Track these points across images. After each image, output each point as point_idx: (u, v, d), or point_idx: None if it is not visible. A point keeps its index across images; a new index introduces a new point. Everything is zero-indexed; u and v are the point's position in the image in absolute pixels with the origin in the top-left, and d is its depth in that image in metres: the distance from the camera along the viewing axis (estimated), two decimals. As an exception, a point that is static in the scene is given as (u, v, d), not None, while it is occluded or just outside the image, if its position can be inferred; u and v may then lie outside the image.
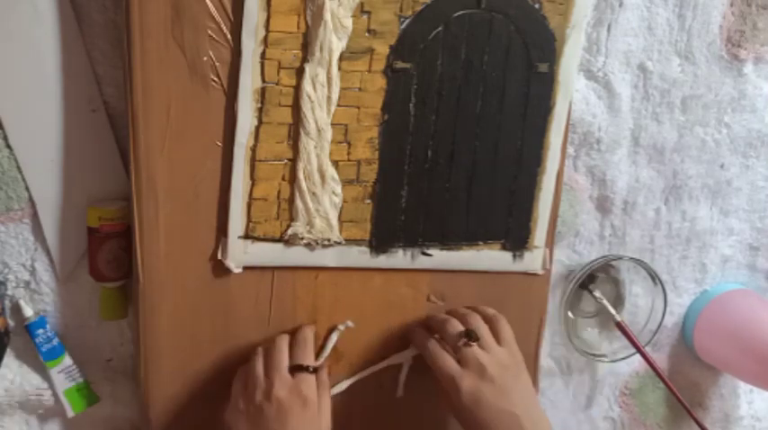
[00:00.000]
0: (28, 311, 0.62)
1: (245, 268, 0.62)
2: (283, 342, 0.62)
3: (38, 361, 0.63)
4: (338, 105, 0.61)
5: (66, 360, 0.64)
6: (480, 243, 0.68)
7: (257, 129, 0.60)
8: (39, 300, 0.63)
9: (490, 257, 0.69)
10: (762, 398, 0.91)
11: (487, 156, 0.66)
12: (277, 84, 0.59)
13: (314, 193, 0.62)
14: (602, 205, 0.77)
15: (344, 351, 0.67)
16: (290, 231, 0.62)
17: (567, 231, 0.76)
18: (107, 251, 0.61)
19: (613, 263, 0.78)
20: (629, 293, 0.80)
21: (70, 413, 0.64)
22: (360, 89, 0.61)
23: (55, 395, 0.64)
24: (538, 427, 0.62)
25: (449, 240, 0.67)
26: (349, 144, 0.62)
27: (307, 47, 0.59)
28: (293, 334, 0.64)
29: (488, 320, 0.66)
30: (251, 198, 0.61)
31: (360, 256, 0.65)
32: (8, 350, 0.63)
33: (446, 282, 0.69)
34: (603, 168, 0.75)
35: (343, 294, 0.66)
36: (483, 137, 0.65)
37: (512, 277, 0.70)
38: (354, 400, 0.68)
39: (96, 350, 0.66)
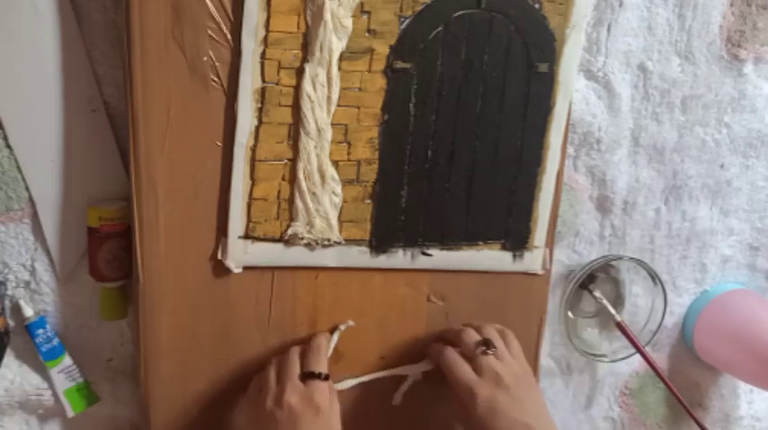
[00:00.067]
0: (28, 311, 0.62)
1: (245, 268, 0.62)
2: (296, 350, 0.62)
3: (38, 361, 0.63)
4: (338, 105, 0.61)
5: (66, 360, 0.64)
6: (480, 243, 0.68)
7: (257, 129, 0.60)
8: (39, 300, 0.63)
9: (490, 257, 0.69)
10: (762, 398, 0.91)
11: (487, 156, 0.66)
12: (277, 84, 0.59)
13: (314, 193, 0.62)
14: (602, 205, 0.77)
15: (344, 351, 0.67)
16: (290, 231, 0.62)
17: (567, 231, 0.76)
18: (107, 251, 0.61)
19: (613, 263, 0.78)
20: (629, 293, 0.80)
21: (70, 413, 0.64)
22: (360, 89, 0.61)
23: (55, 395, 0.64)
24: None
25: (449, 240, 0.67)
26: (349, 144, 0.62)
27: (307, 47, 0.59)
28: (307, 341, 0.64)
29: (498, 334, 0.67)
30: (251, 198, 0.61)
31: (360, 256, 0.65)
32: (8, 350, 0.63)
33: (446, 281, 0.69)
34: (603, 168, 0.75)
35: (343, 294, 0.66)
36: (483, 137, 0.65)
37: (512, 277, 0.70)
38: (354, 401, 0.68)
39: (96, 350, 0.66)
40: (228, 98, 0.59)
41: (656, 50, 0.73)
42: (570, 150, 0.73)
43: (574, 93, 0.69)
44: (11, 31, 0.56)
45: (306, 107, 0.60)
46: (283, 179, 0.61)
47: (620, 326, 0.77)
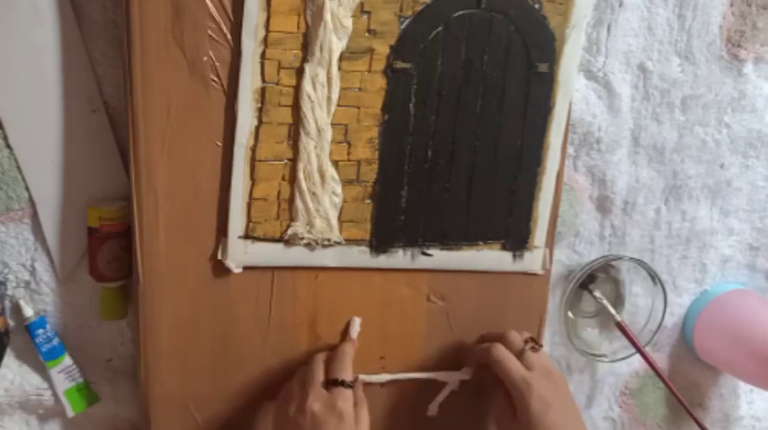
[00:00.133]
0: (28, 311, 0.62)
1: (245, 268, 0.62)
2: (321, 357, 0.63)
3: (38, 361, 0.63)
4: (338, 105, 0.61)
5: (66, 360, 0.64)
6: (480, 243, 0.68)
7: (257, 129, 0.60)
8: (39, 300, 0.63)
9: (490, 257, 0.69)
10: (762, 398, 0.91)
11: (487, 157, 0.66)
12: (277, 84, 0.59)
13: (314, 193, 0.62)
14: (602, 205, 0.77)
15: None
16: (290, 231, 0.62)
17: (567, 231, 0.76)
18: (107, 251, 0.61)
19: (613, 263, 0.78)
20: (629, 293, 0.80)
21: (70, 413, 0.64)
22: (360, 89, 0.61)
23: (55, 395, 0.64)
24: None
25: (449, 240, 0.67)
26: (349, 144, 0.62)
27: (307, 47, 0.59)
28: (332, 349, 0.64)
29: None
30: (251, 198, 0.61)
31: (360, 256, 0.65)
32: (8, 350, 0.63)
33: (446, 281, 0.69)
34: (603, 168, 0.75)
35: (343, 294, 0.66)
36: (483, 137, 0.65)
37: (512, 277, 0.70)
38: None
39: (96, 350, 0.66)
40: (228, 98, 0.59)
41: (656, 50, 0.73)
42: (570, 150, 0.73)
43: (574, 93, 0.69)
44: (11, 31, 0.56)
45: (306, 107, 0.60)
46: (283, 179, 0.61)
47: (620, 327, 0.77)
